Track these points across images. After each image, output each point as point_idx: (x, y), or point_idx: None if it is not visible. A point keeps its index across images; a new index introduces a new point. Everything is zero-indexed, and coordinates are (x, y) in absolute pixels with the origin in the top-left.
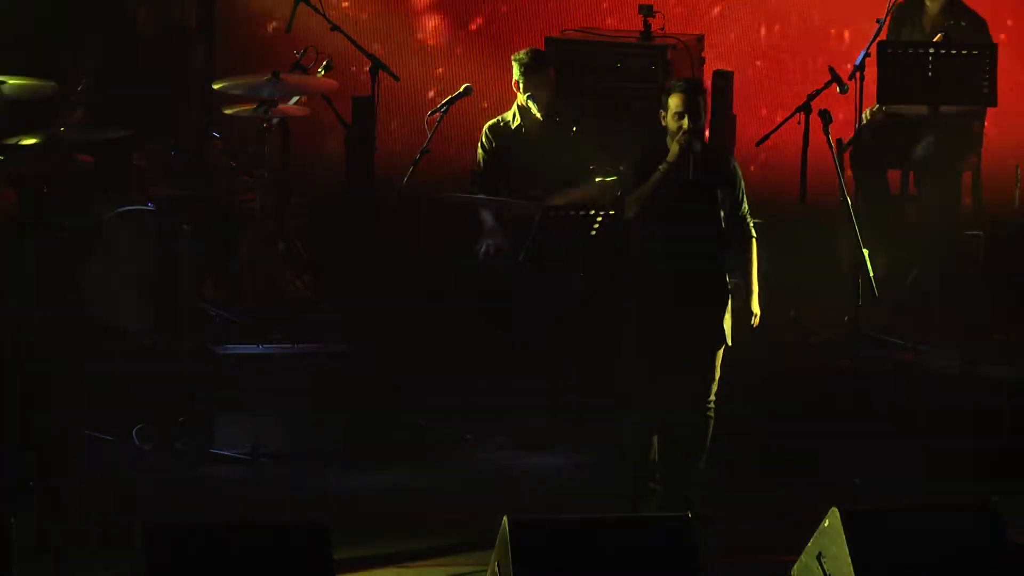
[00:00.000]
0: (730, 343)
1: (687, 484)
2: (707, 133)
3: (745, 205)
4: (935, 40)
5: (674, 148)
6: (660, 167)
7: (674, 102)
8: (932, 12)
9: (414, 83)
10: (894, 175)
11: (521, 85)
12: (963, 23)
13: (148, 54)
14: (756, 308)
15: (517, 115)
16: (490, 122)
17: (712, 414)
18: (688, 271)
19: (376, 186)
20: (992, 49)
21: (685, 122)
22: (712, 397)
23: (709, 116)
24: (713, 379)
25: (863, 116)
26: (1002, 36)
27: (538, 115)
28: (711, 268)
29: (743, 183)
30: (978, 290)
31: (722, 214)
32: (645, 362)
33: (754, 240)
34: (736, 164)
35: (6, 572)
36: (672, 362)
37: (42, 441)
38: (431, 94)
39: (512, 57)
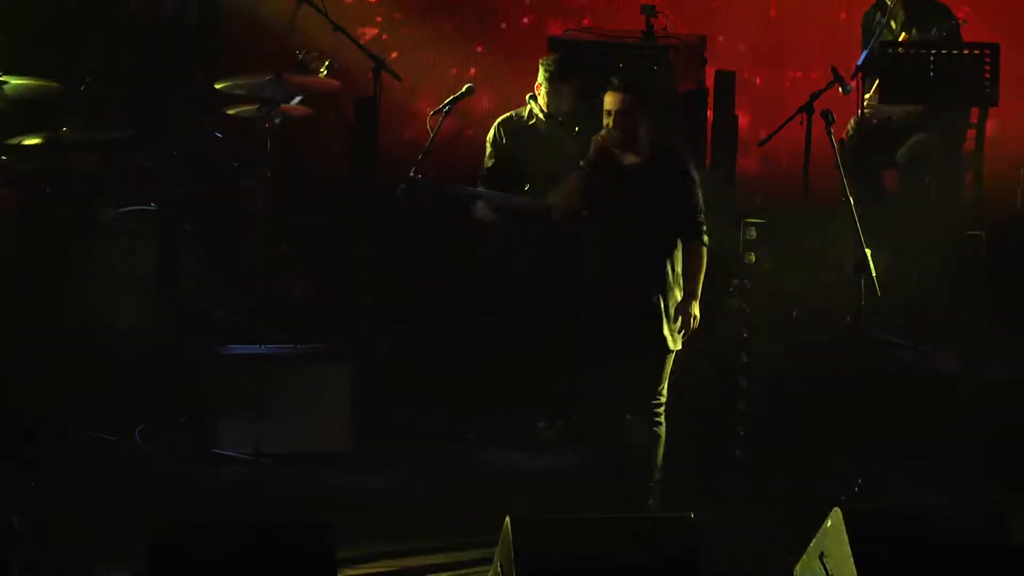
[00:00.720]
0: (675, 347)
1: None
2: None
3: (697, 209)
4: (901, 39)
5: (592, 147)
6: (580, 165)
7: (605, 100)
8: (896, 11)
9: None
10: (889, 176)
11: (543, 89)
12: (941, 22)
13: (150, 54)
14: (695, 311)
15: (532, 108)
16: (502, 116)
17: (661, 421)
18: (623, 272)
19: (379, 186)
20: (994, 48)
21: (610, 120)
22: (659, 407)
23: (711, 117)
24: (657, 386)
25: (850, 121)
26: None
27: (540, 115)
28: (649, 270)
29: (697, 186)
30: (980, 291)
31: (666, 215)
32: (587, 354)
33: (703, 245)
34: (691, 167)
35: (6, 573)
36: (609, 364)
37: (43, 441)
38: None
39: (540, 60)
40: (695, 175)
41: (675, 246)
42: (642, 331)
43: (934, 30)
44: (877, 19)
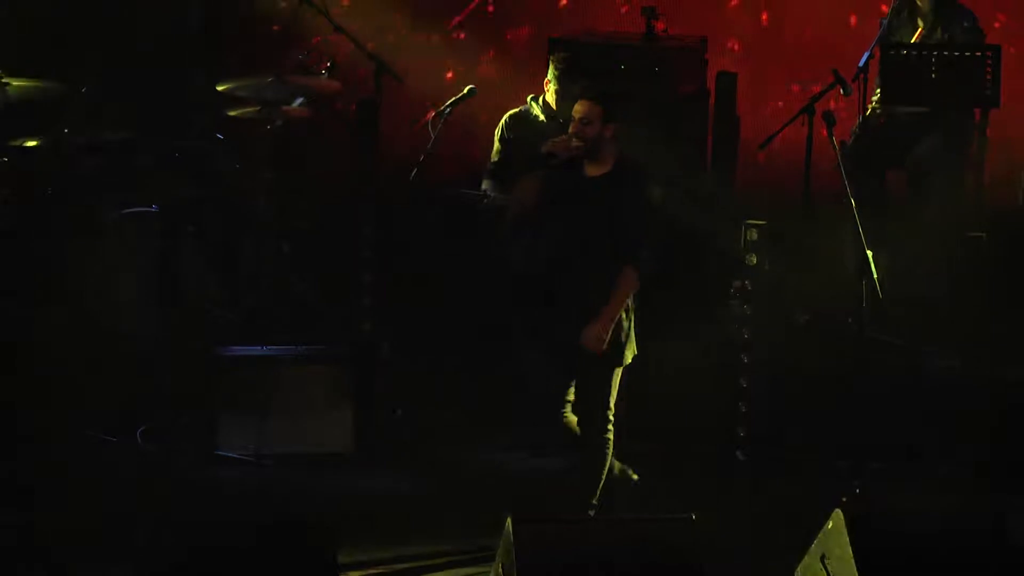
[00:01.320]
0: (616, 364)
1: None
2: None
3: (633, 228)
4: (920, 38)
5: (544, 146)
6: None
7: (575, 107)
8: (924, 12)
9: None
10: (893, 176)
11: (552, 86)
12: (964, 24)
13: (152, 56)
14: (589, 330)
15: (534, 108)
16: (511, 111)
17: (608, 438)
18: (569, 281)
19: (380, 187)
20: (995, 50)
21: (573, 127)
22: (606, 424)
23: (712, 118)
24: (600, 401)
25: (857, 120)
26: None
27: (541, 115)
28: (594, 281)
29: (639, 207)
30: (981, 291)
31: (612, 229)
32: (527, 355)
33: (629, 267)
34: (641, 186)
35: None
36: (553, 375)
37: (45, 442)
38: None
39: (551, 57)
40: (642, 196)
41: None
42: (584, 349)
43: (958, 31)
44: (903, 17)
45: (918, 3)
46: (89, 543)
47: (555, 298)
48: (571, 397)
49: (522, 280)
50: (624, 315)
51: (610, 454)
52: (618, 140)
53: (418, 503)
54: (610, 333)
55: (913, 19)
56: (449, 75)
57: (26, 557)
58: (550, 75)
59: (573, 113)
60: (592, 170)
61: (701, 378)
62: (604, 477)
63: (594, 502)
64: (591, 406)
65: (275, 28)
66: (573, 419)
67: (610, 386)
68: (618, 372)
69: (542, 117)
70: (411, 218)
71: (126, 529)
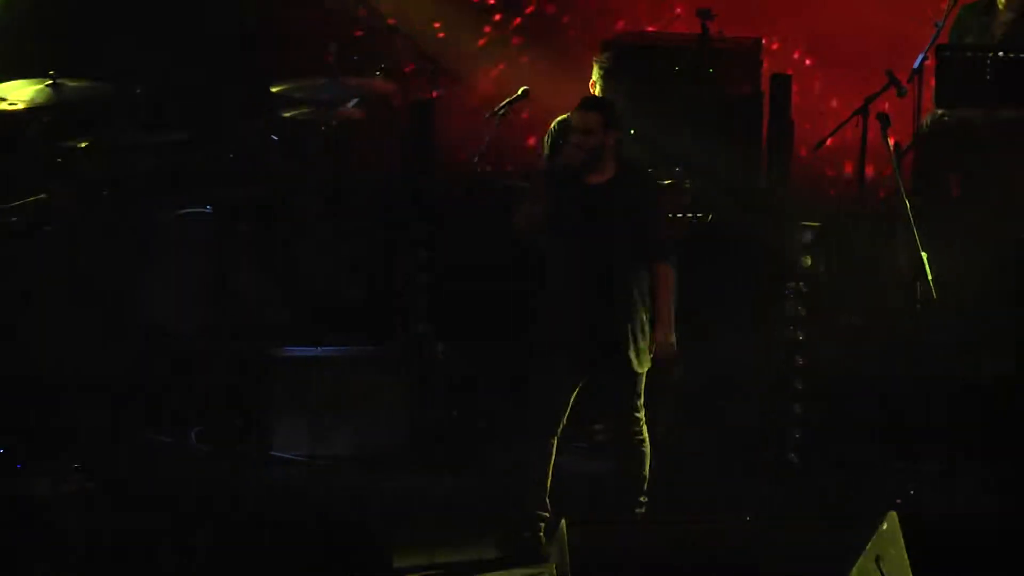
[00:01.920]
0: (640, 370)
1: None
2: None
3: (657, 229)
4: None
5: (557, 163)
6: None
7: (572, 117)
8: (1005, 20)
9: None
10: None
11: (598, 87)
12: None
13: (206, 57)
14: (661, 337)
15: None
16: (560, 117)
17: (644, 438)
18: (587, 293)
19: (435, 187)
20: None
21: (575, 138)
22: (638, 425)
23: (766, 120)
24: (630, 406)
25: (924, 121)
26: None
27: None
28: (614, 291)
29: (655, 208)
30: None
31: (629, 236)
32: (541, 364)
33: (665, 266)
34: (650, 188)
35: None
36: (562, 370)
37: (101, 443)
38: None
39: (594, 59)
40: (655, 197)
41: (641, 267)
42: (606, 354)
43: None
44: (976, 22)
45: (999, 8)
46: (145, 543)
47: (576, 310)
48: (559, 428)
49: (538, 293)
50: (646, 318)
51: (648, 452)
52: (620, 145)
53: (473, 503)
54: (648, 336)
55: (989, 23)
56: (500, 76)
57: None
58: (595, 76)
59: (573, 123)
60: (595, 178)
61: (755, 380)
62: (647, 475)
63: (642, 499)
64: (627, 409)
65: (331, 30)
66: (555, 450)
67: (642, 388)
68: (640, 379)
69: None
70: (466, 218)
71: (181, 530)
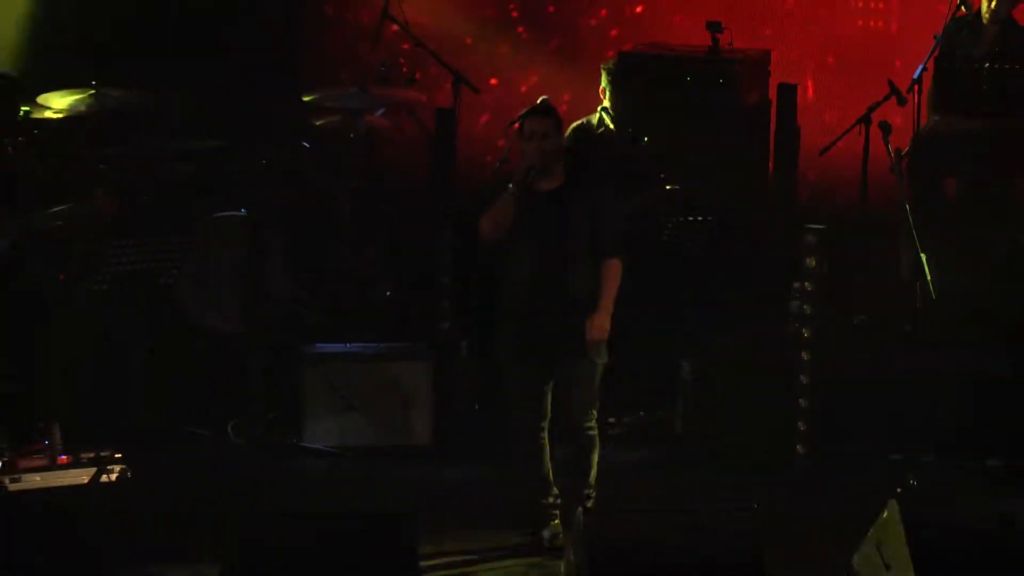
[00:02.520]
0: (600, 361)
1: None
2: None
3: (608, 227)
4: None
5: (521, 171)
6: (508, 187)
7: (526, 124)
8: (989, 32)
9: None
10: (947, 183)
11: (607, 93)
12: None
13: (241, 67)
14: (597, 321)
15: (604, 118)
16: (574, 124)
17: (595, 429)
18: (545, 292)
19: (458, 192)
20: None
21: (531, 145)
22: (591, 419)
23: (774, 127)
24: (586, 400)
25: (922, 128)
26: None
27: (611, 125)
28: (571, 289)
29: (606, 207)
30: None
31: (584, 236)
32: (511, 370)
33: (613, 260)
34: (600, 188)
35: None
36: (531, 373)
37: (143, 436)
38: None
39: (601, 66)
40: (606, 196)
41: (596, 267)
42: (565, 348)
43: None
44: (963, 36)
45: (984, 23)
46: (184, 531)
47: (537, 311)
48: (544, 423)
49: (502, 298)
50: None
51: (597, 446)
52: (566, 149)
53: (494, 494)
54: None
55: (975, 37)
56: (523, 88)
57: (123, 544)
58: (603, 82)
59: (528, 131)
60: (546, 185)
61: (763, 375)
62: (595, 468)
63: (589, 492)
64: (583, 402)
65: (358, 42)
66: (546, 441)
67: (597, 382)
68: (598, 372)
69: (612, 126)
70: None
71: (217, 518)
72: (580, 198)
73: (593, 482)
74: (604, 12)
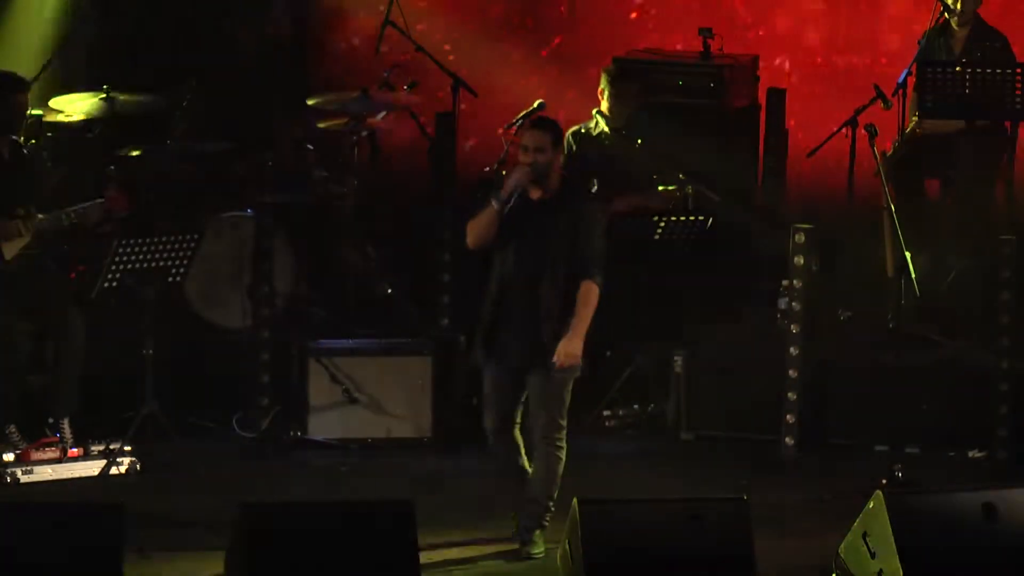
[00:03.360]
0: (570, 376)
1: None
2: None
3: (589, 248)
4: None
5: (509, 184)
6: (492, 203)
7: (524, 137)
8: (960, 36)
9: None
10: (931, 183)
11: (606, 94)
12: (996, 44)
13: (249, 73)
14: (567, 347)
15: (599, 122)
16: (572, 128)
17: (562, 446)
18: (520, 303)
19: (458, 193)
20: None
21: (527, 157)
22: (559, 432)
23: (763, 131)
24: (554, 414)
25: (906, 131)
26: None
27: (606, 128)
28: (544, 302)
29: (590, 227)
30: (1011, 291)
31: (564, 251)
32: (485, 371)
33: (590, 283)
34: (589, 207)
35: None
36: (503, 376)
37: (151, 429)
38: None
39: (602, 68)
40: (593, 217)
41: (573, 281)
42: (533, 364)
43: (990, 52)
44: (940, 42)
45: (954, 28)
46: (190, 520)
47: (511, 317)
48: (519, 419)
49: (480, 301)
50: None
51: (563, 459)
52: (561, 164)
53: (491, 485)
54: (578, 355)
55: (949, 42)
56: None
57: (132, 535)
58: (603, 84)
59: (525, 142)
60: (538, 194)
61: (753, 369)
62: (558, 481)
63: (551, 504)
64: (549, 415)
65: (360, 48)
66: (519, 437)
67: (566, 396)
68: (567, 388)
69: (607, 130)
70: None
71: (223, 508)
72: (567, 214)
73: (554, 497)
74: (604, 17)
